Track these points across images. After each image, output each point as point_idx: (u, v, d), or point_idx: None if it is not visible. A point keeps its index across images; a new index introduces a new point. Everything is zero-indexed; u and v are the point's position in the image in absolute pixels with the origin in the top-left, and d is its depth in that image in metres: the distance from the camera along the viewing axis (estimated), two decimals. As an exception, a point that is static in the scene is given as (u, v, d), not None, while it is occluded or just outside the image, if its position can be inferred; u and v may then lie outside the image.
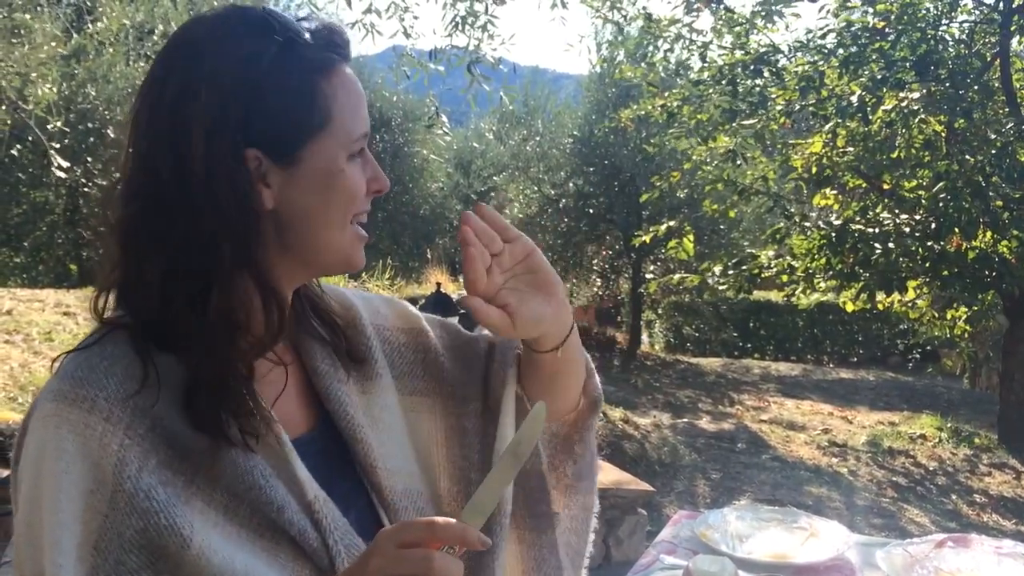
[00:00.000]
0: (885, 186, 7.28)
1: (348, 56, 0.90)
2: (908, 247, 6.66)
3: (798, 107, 6.99)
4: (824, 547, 1.58)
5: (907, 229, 6.72)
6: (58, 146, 6.98)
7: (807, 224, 7.28)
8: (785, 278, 7.42)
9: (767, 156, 7.70)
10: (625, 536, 4.36)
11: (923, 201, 6.63)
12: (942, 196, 6.31)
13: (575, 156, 11.49)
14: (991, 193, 6.35)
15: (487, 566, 1.00)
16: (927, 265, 6.75)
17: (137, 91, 0.88)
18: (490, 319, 0.92)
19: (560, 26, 7.29)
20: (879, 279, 6.72)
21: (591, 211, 11.39)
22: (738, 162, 7.32)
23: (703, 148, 7.48)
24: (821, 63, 6.85)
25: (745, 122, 7.05)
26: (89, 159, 10.34)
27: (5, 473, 3.13)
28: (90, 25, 8.62)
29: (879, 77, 6.49)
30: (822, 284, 7.40)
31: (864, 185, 7.55)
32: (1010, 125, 6.46)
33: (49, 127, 6.92)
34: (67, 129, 9.20)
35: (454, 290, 12.65)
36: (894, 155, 7.02)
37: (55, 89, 7.38)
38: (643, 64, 8.24)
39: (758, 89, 7.07)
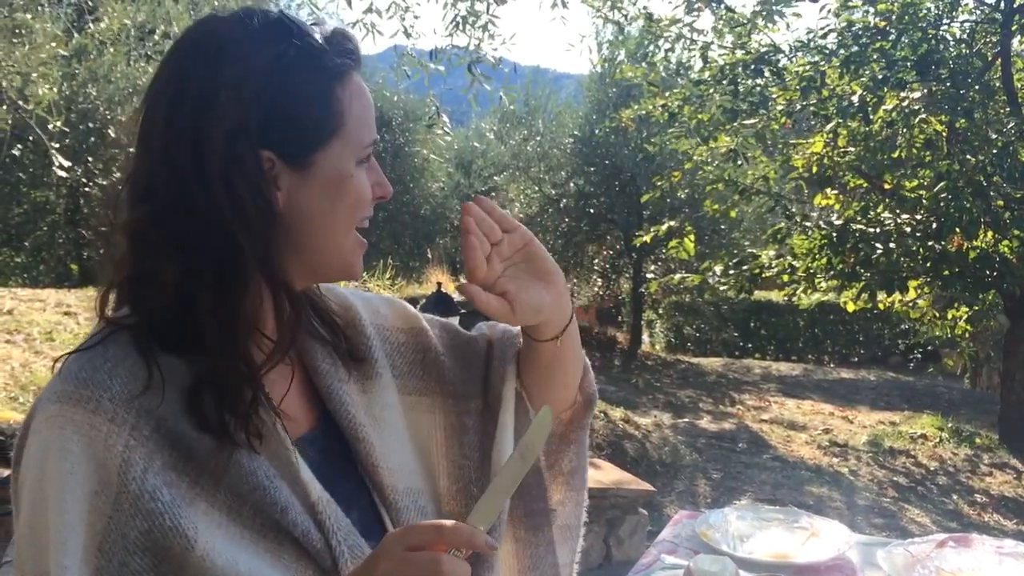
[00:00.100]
0: (886, 186, 7.28)
1: (360, 63, 0.91)
2: (909, 247, 6.66)
3: (799, 107, 6.99)
4: (825, 547, 1.58)
5: (908, 229, 6.72)
6: (57, 146, 6.97)
7: (808, 224, 7.28)
8: (786, 278, 7.41)
9: (768, 156, 7.70)
10: (626, 536, 4.36)
11: (924, 201, 6.62)
12: (943, 196, 6.31)
13: (576, 156, 11.49)
14: (992, 193, 6.35)
15: (485, 564, 1.01)
16: (928, 265, 6.75)
17: (148, 89, 0.87)
18: (490, 306, 0.93)
19: (561, 26, 7.29)
20: (880, 279, 6.72)
21: (592, 211, 11.39)
22: (739, 162, 7.32)
23: (704, 148, 7.48)
24: (822, 63, 6.85)
25: (746, 122, 7.05)
26: (90, 159, 10.35)
27: (6, 473, 3.14)
28: (91, 25, 8.62)
29: (880, 77, 6.49)
30: (823, 284, 7.40)
31: (865, 185, 7.55)
32: (1011, 125, 6.45)
33: (50, 127, 6.92)
34: (67, 129, 9.21)
35: (454, 290, 12.66)
36: (895, 155, 7.02)
37: (56, 89, 7.38)
38: (644, 64, 8.24)
39: (759, 89, 7.07)
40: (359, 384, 1.01)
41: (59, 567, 0.76)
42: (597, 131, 10.91)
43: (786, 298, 8.56)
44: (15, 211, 11.49)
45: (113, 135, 10.40)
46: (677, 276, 8.50)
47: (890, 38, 6.61)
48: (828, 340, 13.24)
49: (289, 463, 0.88)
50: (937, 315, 8.19)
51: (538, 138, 12.07)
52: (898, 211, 6.95)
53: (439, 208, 16.18)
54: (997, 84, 6.73)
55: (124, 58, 10.28)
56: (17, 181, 10.91)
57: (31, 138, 8.87)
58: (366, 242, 0.94)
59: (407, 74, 6.70)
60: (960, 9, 7.01)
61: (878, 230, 6.78)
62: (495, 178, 15.30)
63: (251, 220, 0.83)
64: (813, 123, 7.53)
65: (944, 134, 6.86)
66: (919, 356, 12.40)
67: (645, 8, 7.65)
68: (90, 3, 8.20)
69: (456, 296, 11.49)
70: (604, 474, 4.59)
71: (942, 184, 6.30)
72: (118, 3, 7.86)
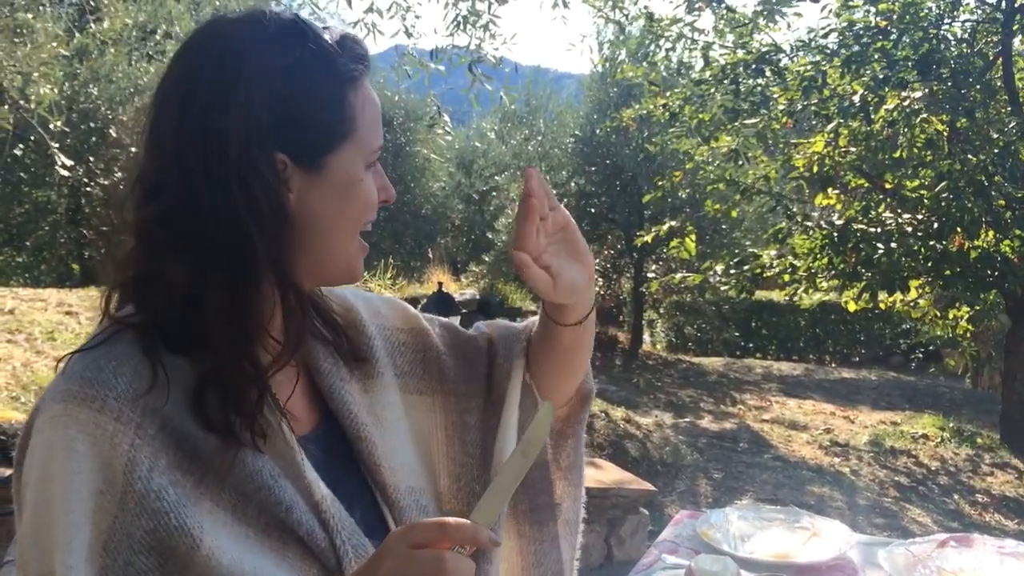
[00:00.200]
0: (887, 185, 7.27)
1: (370, 68, 0.92)
2: (910, 247, 6.65)
3: (800, 107, 6.99)
4: (826, 547, 1.58)
5: (909, 229, 6.71)
6: (57, 146, 6.97)
7: (809, 224, 7.27)
8: (787, 278, 7.41)
9: (769, 156, 7.70)
10: (627, 536, 4.36)
11: (925, 201, 6.62)
12: (944, 196, 6.31)
13: (577, 156, 11.49)
14: (993, 192, 6.35)
15: (484, 558, 1.01)
16: (929, 265, 6.75)
17: (158, 88, 0.88)
18: (537, 277, 0.94)
19: (562, 26, 7.30)
20: (881, 279, 6.72)
21: (593, 211, 11.39)
22: (740, 162, 7.32)
23: (705, 148, 7.47)
24: (823, 62, 6.85)
25: (747, 122, 7.05)
26: (91, 159, 10.35)
27: (7, 473, 3.14)
28: (93, 25, 8.63)
29: (881, 76, 6.48)
30: (824, 284, 7.40)
31: (866, 184, 7.54)
32: (1012, 124, 6.45)
33: (51, 127, 6.92)
34: (68, 129, 9.21)
35: (455, 290, 12.67)
36: (896, 155, 7.01)
37: (57, 89, 7.38)
38: (645, 63, 8.23)
39: (760, 89, 7.07)
40: (361, 384, 1.01)
41: (64, 567, 0.76)
42: (598, 131, 10.91)
43: (787, 298, 8.55)
44: (16, 211, 11.49)
45: (114, 135, 10.41)
46: (678, 276, 8.50)
47: (891, 38, 6.60)
48: (829, 340, 13.23)
49: (294, 463, 0.88)
50: (938, 315, 8.18)
51: (539, 138, 12.08)
52: (899, 211, 6.95)
53: (440, 208, 16.18)
54: (998, 84, 6.73)
55: (125, 58, 10.30)
56: (18, 181, 10.91)
57: (32, 138, 8.87)
58: (368, 246, 0.95)
59: (408, 74, 6.71)
60: (961, 9, 7.01)
61: (879, 230, 6.78)
62: (496, 178, 15.31)
63: (265, 221, 0.83)
64: (814, 123, 7.53)
65: (945, 134, 6.86)
66: (920, 356, 12.38)
67: (646, 8, 7.66)
68: (91, 3, 8.21)
69: (456, 296, 11.49)
70: (605, 474, 4.59)
71: (943, 184, 6.30)
72: (120, 3, 7.86)
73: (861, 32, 6.74)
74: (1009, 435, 7.22)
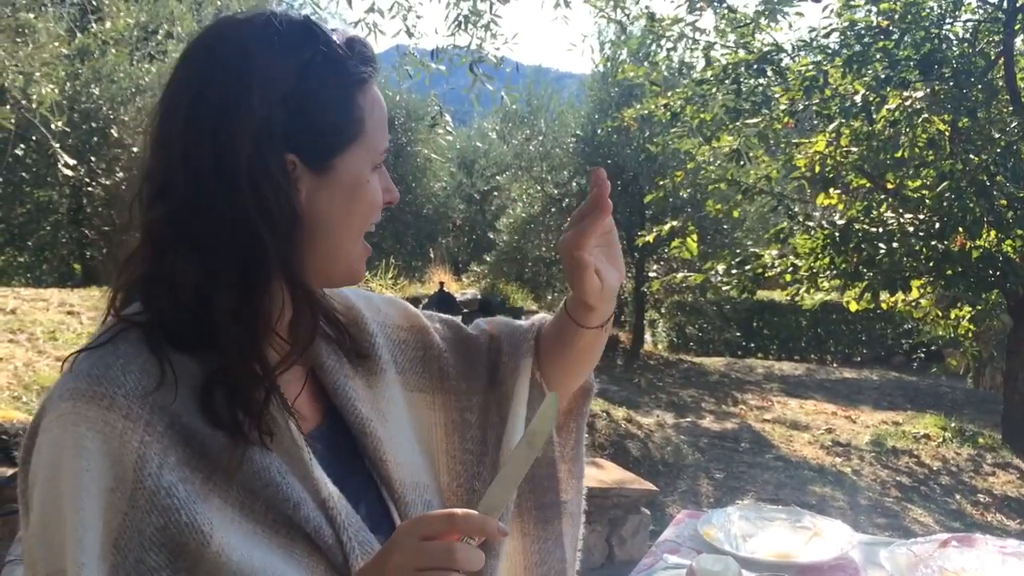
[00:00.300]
0: (889, 185, 7.27)
1: (377, 71, 0.93)
2: (912, 246, 6.65)
3: (802, 106, 6.98)
4: (828, 546, 1.58)
5: (911, 228, 6.71)
6: (58, 145, 6.98)
7: (811, 224, 7.27)
8: (788, 277, 7.41)
9: (770, 156, 7.69)
10: (628, 535, 4.36)
11: (927, 200, 6.61)
12: (946, 195, 6.30)
13: (578, 155, 11.48)
14: (995, 192, 6.34)
15: (491, 552, 1.01)
16: (931, 264, 6.74)
17: (166, 88, 0.88)
18: (591, 280, 0.97)
19: (563, 25, 7.28)
20: (883, 278, 6.71)
21: (594, 210, 11.36)
22: (741, 162, 7.31)
23: (706, 148, 7.47)
24: (825, 62, 6.84)
25: (748, 121, 7.05)
26: (93, 159, 10.36)
27: (9, 472, 3.14)
28: (94, 25, 8.63)
29: (883, 76, 6.48)
30: (826, 284, 7.39)
31: (868, 184, 7.54)
32: (1014, 124, 6.44)
33: (52, 127, 6.93)
34: (70, 129, 9.22)
35: (457, 290, 12.67)
36: (898, 154, 7.01)
37: (58, 89, 7.39)
38: (646, 63, 8.23)
39: (761, 88, 7.07)
40: (364, 380, 1.02)
41: (77, 564, 0.76)
42: (599, 131, 10.91)
43: (789, 298, 8.55)
44: (18, 211, 11.50)
45: (116, 135, 10.42)
46: (680, 275, 8.49)
47: (893, 37, 6.60)
48: (831, 340, 13.22)
49: (301, 460, 0.88)
50: (940, 315, 8.18)
51: (540, 138, 12.06)
52: (901, 211, 6.94)
53: (441, 208, 16.18)
54: (1000, 83, 6.72)
55: (127, 58, 10.31)
56: (20, 181, 10.92)
57: (34, 138, 8.88)
58: (371, 248, 0.95)
59: (409, 74, 6.71)
60: (963, 8, 7.00)
61: (881, 230, 6.78)
62: (497, 178, 15.30)
63: (276, 221, 0.83)
64: (816, 123, 7.52)
65: (947, 133, 6.85)
66: (922, 356, 12.38)
67: (647, 7, 7.65)
68: (93, 3, 8.21)
69: (457, 296, 11.48)
70: (607, 474, 4.59)
71: (945, 184, 6.29)
72: (121, 3, 7.87)
73: (863, 32, 6.74)
74: (1011, 435, 7.22)
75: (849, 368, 11.67)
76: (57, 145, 6.87)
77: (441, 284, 11.73)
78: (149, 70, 10.47)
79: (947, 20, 6.91)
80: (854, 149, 7.09)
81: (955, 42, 6.99)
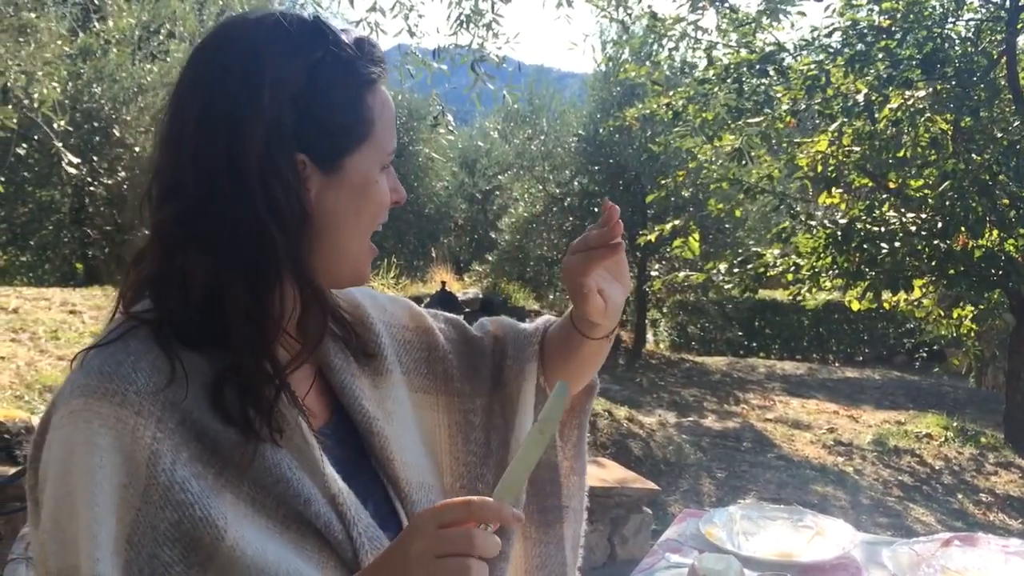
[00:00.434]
0: (891, 185, 7.26)
1: (386, 71, 0.93)
2: (914, 246, 6.64)
3: (804, 106, 6.97)
4: (830, 546, 1.58)
5: (913, 228, 6.70)
6: (60, 145, 6.99)
7: (813, 223, 7.27)
8: (790, 277, 7.40)
9: (772, 155, 7.68)
10: (630, 535, 4.36)
11: (929, 200, 6.61)
12: (948, 195, 6.30)
13: (580, 155, 11.48)
14: (998, 192, 6.33)
15: (500, 555, 1.01)
16: (933, 264, 6.73)
17: (176, 88, 0.88)
18: (594, 302, 0.99)
19: (565, 24, 7.30)
20: (885, 278, 6.71)
21: (596, 210, 11.37)
22: (743, 161, 7.31)
23: (708, 147, 7.47)
24: (827, 62, 6.83)
25: (750, 121, 7.04)
26: (95, 158, 10.36)
27: (11, 471, 3.14)
28: (96, 24, 8.63)
29: (885, 76, 6.47)
30: (828, 283, 7.39)
31: (870, 184, 7.53)
32: (1017, 123, 6.44)
33: (55, 126, 6.93)
34: (72, 128, 9.22)
35: (458, 289, 12.67)
36: (900, 154, 7.00)
37: (60, 88, 7.39)
38: (648, 63, 8.22)
39: (763, 88, 7.06)
40: (370, 379, 1.02)
41: (91, 559, 0.76)
42: (601, 130, 10.91)
43: (791, 297, 8.54)
44: (20, 210, 11.50)
45: (118, 134, 10.42)
46: (681, 275, 8.49)
47: (895, 37, 6.58)
48: (833, 339, 13.21)
49: (311, 457, 0.89)
50: (942, 314, 8.17)
51: (542, 137, 12.07)
52: (903, 210, 6.93)
53: (443, 207, 16.19)
54: (1003, 82, 6.71)
55: (129, 57, 10.30)
56: (22, 180, 10.92)
57: (36, 137, 8.89)
58: (376, 249, 0.96)
59: (411, 73, 6.71)
60: (965, 7, 6.99)
61: (883, 229, 6.77)
62: (499, 177, 15.31)
63: (286, 220, 0.84)
64: (818, 122, 7.51)
65: (949, 133, 6.84)
66: (924, 355, 12.37)
67: (649, 7, 7.64)
68: (95, 2, 8.22)
69: (459, 295, 11.47)
70: (608, 473, 4.59)
71: (947, 183, 6.29)
72: (124, 2, 7.87)
73: (865, 31, 6.73)
74: (1013, 434, 7.21)
75: (851, 367, 11.67)
76: (60, 144, 6.88)
77: (443, 283, 11.74)
78: (151, 70, 10.47)
79: (949, 19, 6.90)
80: (856, 148, 7.08)
81: (957, 41, 6.98)
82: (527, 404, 1.10)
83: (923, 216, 6.77)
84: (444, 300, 9.85)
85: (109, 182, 10.47)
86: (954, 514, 5.66)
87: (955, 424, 7.64)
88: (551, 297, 13.23)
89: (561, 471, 1.16)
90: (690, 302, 12.56)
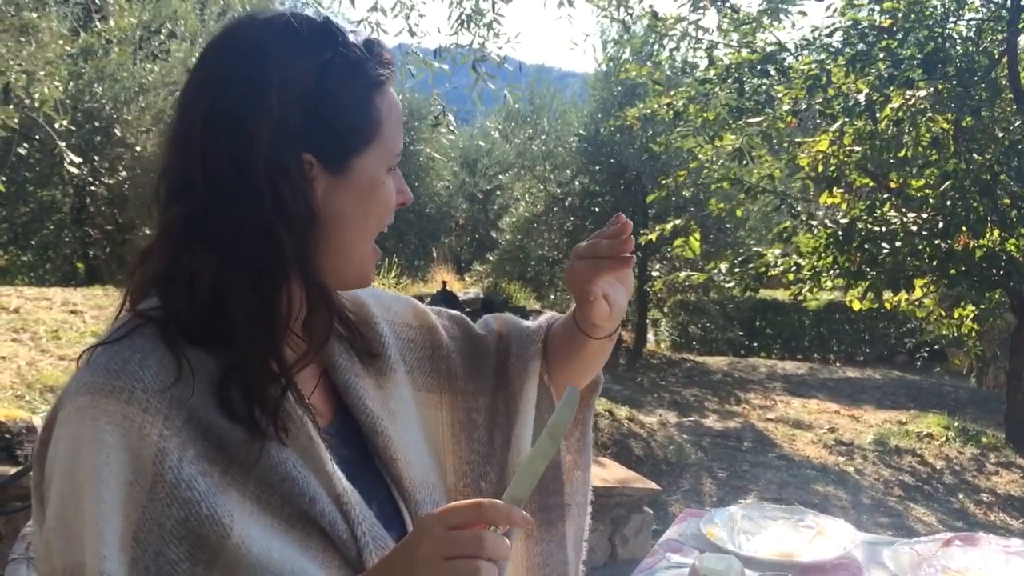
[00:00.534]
0: (892, 184, 7.26)
1: (395, 73, 0.94)
2: (915, 246, 6.64)
3: (805, 106, 6.97)
4: (831, 546, 1.58)
5: (914, 228, 6.70)
6: (62, 144, 6.99)
7: (814, 223, 7.26)
8: (791, 276, 7.40)
9: (773, 155, 7.68)
10: (631, 534, 4.36)
11: (930, 200, 6.61)
12: (950, 194, 6.29)
13: (581, 155, 11.48)
14: (999, 191, 6.33)
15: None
16: (934, 264, 6.73)
17: (184, 87, 0.88)
18: (600, 308, 1.01)
19: (566, 24, 7.31)
20: (886, 278, 6.71)
21: (597, 209, 11.38)
22: (744, 161, 7.30)
23: (709, 147, 7.47)
24: (828, 61, 6.83)
25: (751, 120, 7.04)
26: (96, 158, 10.36)
27: (12, 471, 3.14)
28: (98, 24, 8.64)
29: (886, 75, 6.46)
30: (829, 283, 7.39)
31: (871, 183, 7.52)
32: (1018, 123, 6.43)
33: (56, 126, 6.94)
34: (73, 128, 9.22)
35: (459, 289, 12.68)
36: (901, 153, 6.99)
37: (62, 88, 7.39)
38: (649, 63, 8.22)
39: (764, 88, 7.06)
40: (374, 379, 1.02)
41: (97, 556, 0.76)
42: (602, 130, 10.91)
43: (792, 297, 8.53)
44: (22, 210, 11.50)
45: (119, 134, 10.42)
46: (682, 274, 8.49)
47: (896, 36, 6.58)
48: (834, 339, 13.20)
49: (317, 456, 0.89)
50: (943, 314, 8.16)
51: (543, 137, 12.07)
52: (904, 210, 6.93)
53: (444, 207, 16.19)
54: (1004, 82, 6.71)
55: (130, 57, 10.31)
56: (23, 180, 10.92)
57: (38, 137, 8.89)
58: (380, 251, 0.96)
59: (412, 73, 6.71)
60: (966, 7, 6.98)
61: (884, 229, 6.77)
62: (500, 177, 15.31)
63: (293, 220, 0.84)
64: (819, 122, 7.51)
65: (951, 132, 6.84)
66: (925, 355, 12.36)
67: (650, 6, 7.64)
68: (97, 2, 8.22)
69: (460, 295, 11.47)
70: (609, 472, 4.59)
71: (948, 183, 6.28)
72: (125, 2, 7.87)
73: (866, 31, 6.72)
74: (1014, 434, 7.21)
75: (852, 367, 11.66)
76: (62, 144, 6.88)
77: (444, 283, 11.75)
78: (152, 69, 10.47)
79: (950, 19, 6.89)
80: (857, 148, 7.08)
81: (958, 41, 6.97)
82: (530, 402, 1.10)
83: (924, 216, 6.76)
84: (445, 300, 9.85)
85: (110, 182, 10.48)
86: (955, 514, 5.66)
87: (956, 424, 7.63)
88: (552, 297, 13.24)
89: (564, 468, 1.16)
90: (691, 302, 12.57)
